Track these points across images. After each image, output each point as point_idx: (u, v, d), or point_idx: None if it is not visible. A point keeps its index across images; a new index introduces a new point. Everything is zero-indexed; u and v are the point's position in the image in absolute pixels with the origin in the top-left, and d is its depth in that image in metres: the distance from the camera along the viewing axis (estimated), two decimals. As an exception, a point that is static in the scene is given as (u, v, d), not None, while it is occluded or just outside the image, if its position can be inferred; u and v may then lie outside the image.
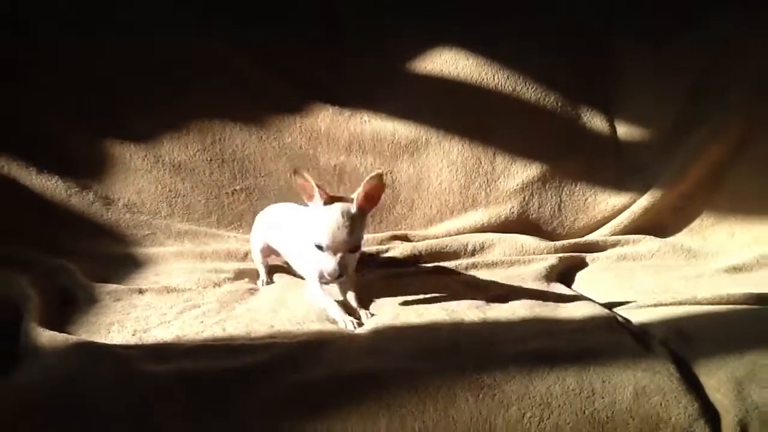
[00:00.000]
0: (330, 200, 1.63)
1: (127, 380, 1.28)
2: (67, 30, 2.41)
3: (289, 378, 1.29)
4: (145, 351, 1.41)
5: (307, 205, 1.70)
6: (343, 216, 1.59)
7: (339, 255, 1.60)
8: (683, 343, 1.52)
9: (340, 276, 1.61)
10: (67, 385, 1.26)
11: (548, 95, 2.55)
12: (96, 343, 1.42)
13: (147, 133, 2.38)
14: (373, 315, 1.67)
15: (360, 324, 1.60)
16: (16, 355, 1.42)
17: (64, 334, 1.44)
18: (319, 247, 1.60)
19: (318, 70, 2.58)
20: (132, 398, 1.25)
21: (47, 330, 1.44)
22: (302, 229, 1.75)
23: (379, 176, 1.63)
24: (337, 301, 1.71)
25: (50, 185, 2.25)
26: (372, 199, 1.65)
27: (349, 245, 1.60)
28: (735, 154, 2.40)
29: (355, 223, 1.60)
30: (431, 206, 2.48)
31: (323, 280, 1.73)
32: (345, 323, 1.59)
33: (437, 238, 2.39)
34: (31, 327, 1.45)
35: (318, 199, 1.62)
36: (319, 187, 1.63)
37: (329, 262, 1.59)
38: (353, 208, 1.62)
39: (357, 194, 1.62)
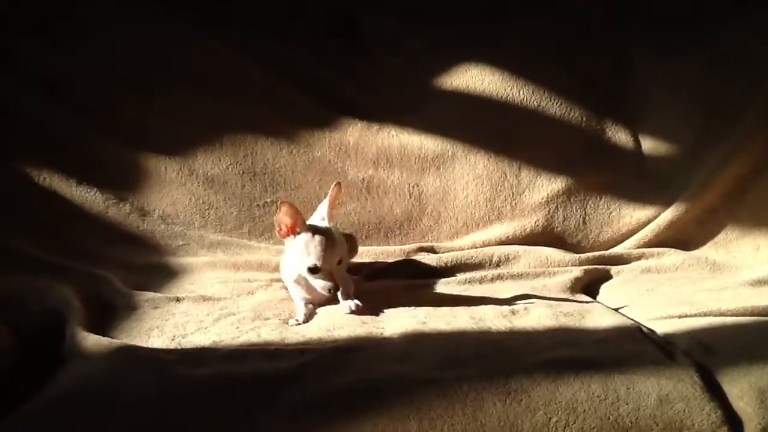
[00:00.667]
0: (309, 228, 1.77)
1: (165, 383, 1.33)
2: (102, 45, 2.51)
3: (321, 382, 1.34)
4: (183, 355, 1.47)
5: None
6: (328, 238, 1.75)
7: (332, 274, 1.77)
8: (707, 352, 1.54)
9: (337, 290, 1.76)
10: (111, 386, 1.33)
11: (573, 110, 2.59)
12: (138, 346, 1.49)
13: (181, 147, 2.46)
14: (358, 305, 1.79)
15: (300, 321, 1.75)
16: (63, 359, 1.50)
17: (108, 338, 1.51)
18: (314, 270, 1.75)
19: (347, 86, 2.64)
20: (167, 400, 1.30)
21: (91, 334, 1.51)
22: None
23: (338, 185, 1.86)
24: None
25: (89, 197, 2.33)
26: (333, 205, 1.86)
27: (336, 261, 1.78)
28: (758, 167, 2.40)
29: (336, 240, 1.78)
30: (457, 218, 2.52)
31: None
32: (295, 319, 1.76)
33: (463, 250, 2.43)
34: (77, 331, 1.52)
35: (304, 229, 1.76)
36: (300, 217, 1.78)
37: (326, 284, 1.75)
38: (332, 228, 1.81)
39: (326, 209, 1.83)
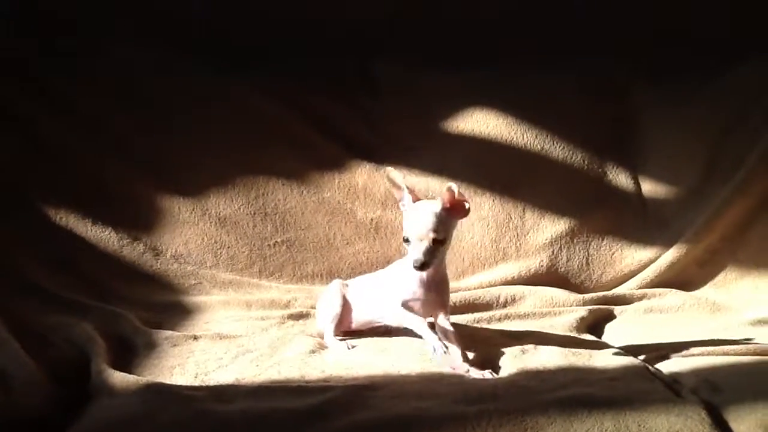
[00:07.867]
0: (417, 200, 1.76)
1: (196, 420, 1.37)
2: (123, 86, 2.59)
3: (348, 418, 1.37)
4: (209, 392, 1.51)
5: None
6: (425, 211, 1.70)
7: (423, 244, 1.69)
8: (713, 391, 1.58)
9: (424, 265, 1.69)
10: (142, 423, 1.36)
11: (575, 153, 2.67)
12: (165, 383, 1.52)
13: (195, 187, 2.52)
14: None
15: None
16: (87, 395, 1.53)
17: (134, 376, 1.55)
18: (407, 241, 1.71)
19: (357, 128, 2.73)
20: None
21: (117, 371, 1.55)
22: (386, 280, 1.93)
23: (450, 189, 1.70)
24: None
25: (104, 236, 2.38)
26: (455, 209, 1.74)
27: (430, 236, 1.69)
28: (759, 209, 2.48)
29: (438, 219, 1.69)
30: (463, 259, 2.57)
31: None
32: (435, 348, 1.66)
33: (469, 290, 2.48)
34: (103, 368, 1.56)
35: (408, 200, 1.76)
36: (409, 189, 1.77)
37: (414, 251, 1.69)
38: (438, 206, 1.72)
39: (442, 196, 1.73)
